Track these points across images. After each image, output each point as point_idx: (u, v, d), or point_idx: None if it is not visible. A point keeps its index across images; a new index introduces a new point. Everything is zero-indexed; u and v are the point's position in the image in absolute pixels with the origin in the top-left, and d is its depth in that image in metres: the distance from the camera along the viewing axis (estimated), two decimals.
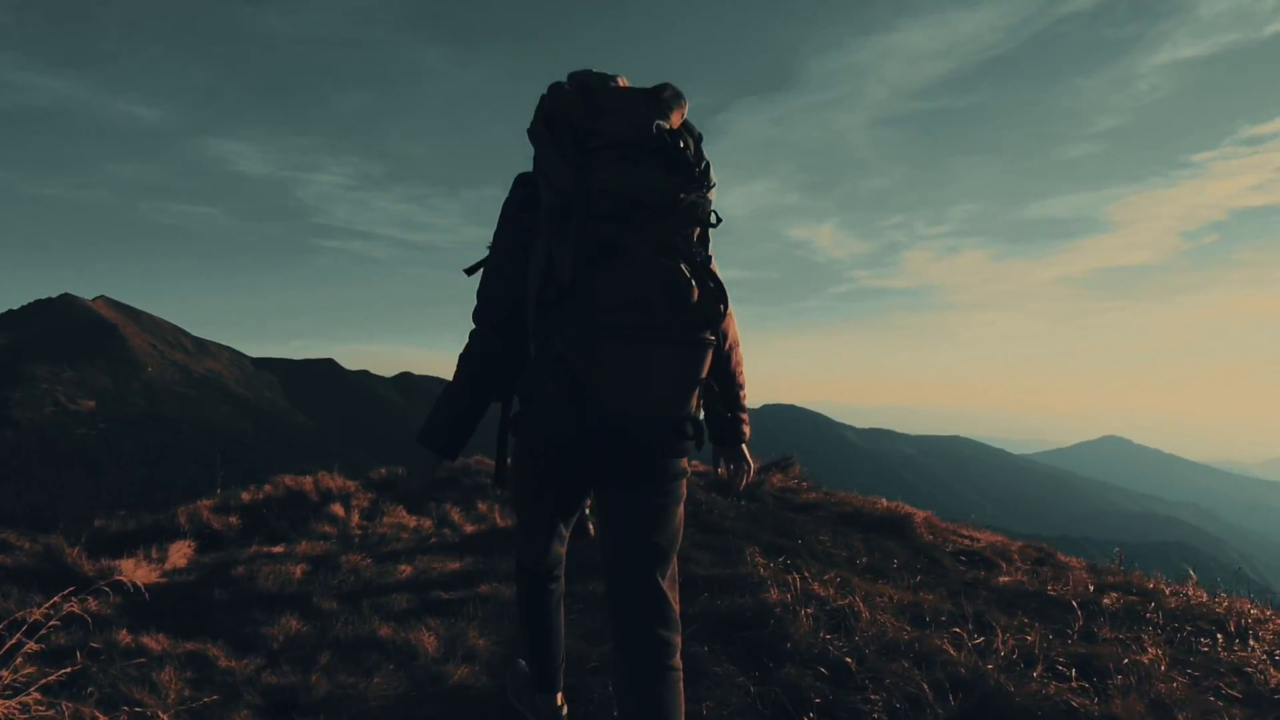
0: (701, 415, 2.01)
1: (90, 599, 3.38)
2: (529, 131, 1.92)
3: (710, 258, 1.90)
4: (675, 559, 2.02)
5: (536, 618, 2.44)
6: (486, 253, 2.05)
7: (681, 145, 1.81)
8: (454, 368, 2.05)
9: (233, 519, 5.29)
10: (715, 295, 1.86)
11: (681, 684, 1.94)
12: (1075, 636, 3.70)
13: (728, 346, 2.16)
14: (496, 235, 2.01)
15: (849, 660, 3.14)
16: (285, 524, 5.28)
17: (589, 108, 1.83)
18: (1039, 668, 3.12)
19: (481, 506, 5.81)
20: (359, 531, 5.14)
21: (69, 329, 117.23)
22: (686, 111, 1.93)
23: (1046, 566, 5.48)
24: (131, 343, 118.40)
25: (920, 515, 6.28)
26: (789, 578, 3.99)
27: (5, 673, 2.36)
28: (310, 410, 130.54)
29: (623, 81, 1.98)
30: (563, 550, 2.41)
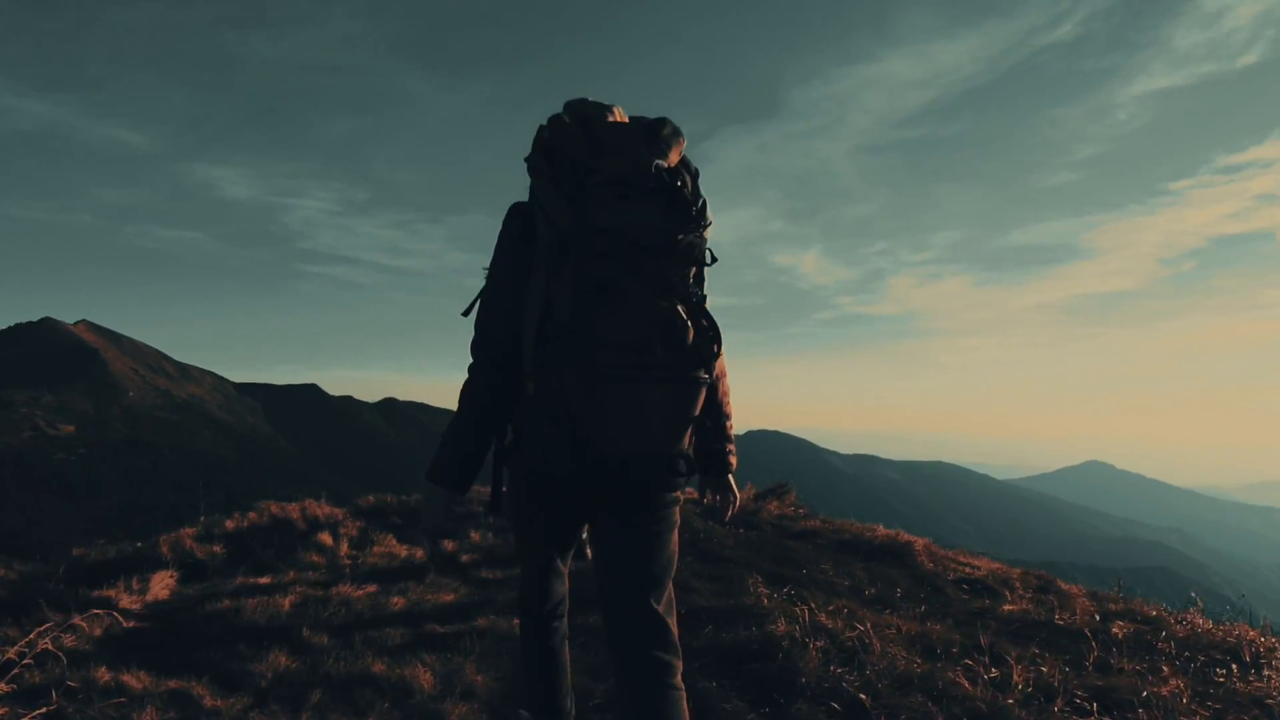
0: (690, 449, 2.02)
1: (67, 633, 3.22)
2: (527, 163, 1.92)
3: (705, 297, 1.92)
4: (671, 585, 2.02)
5: (542, 662, 2.36)
6: (477, 286, 2.02)
7: (680, 184, 1.82)
8: (454, 400, 2.02)
9: (217, 548, 5.12)
10: (710, 336, 1.88)
11: (685, 703, 1.92)
12: (1091, 668, 3.60)
13: (714, 377, 2.11)
14: (494, 265, 1.98)
15: (862, 696, 3.04)
16: (271, 553, 5.11)
17: (589, 144, 1.84)
18: (1059, 701, 3.03)
19: (474, 536, 5.66)
20: (348, 561, 4.98)
21: (49, 353, 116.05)
22: (684, 147, 1.94)
23: (1050, 594, 5.40)
24: (112, 367, 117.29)
25: (920, 543, 6.18)
26: (797, 609, 3.87)
27: None
28: (293, 436, 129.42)
29: (619, 112, 1.98)
30: (565, 589, 2.35)
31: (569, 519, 2.08)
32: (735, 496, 2.36)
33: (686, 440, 1.91)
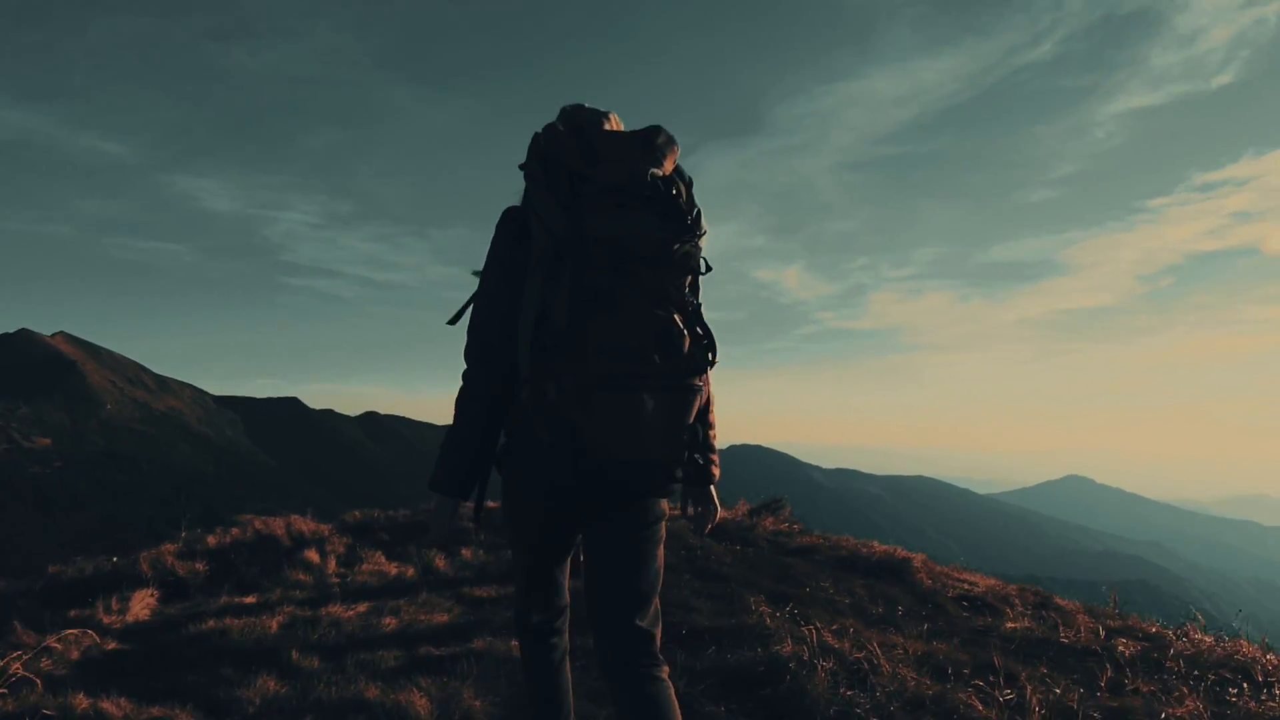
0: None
1: (43, 656, 3.07)
2: (523, 170, 1.92)
3: (700, 305, 1.92)
4: (657, 599, 2.04)
5: (543, 681, 2.25)
6: (460, 300, 2.03)
7: (674, 193, 1.83)
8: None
9: (199, 565, 4.97)
10: (705, 344, 1.89)
11: (673, 693, 1.95)
12: (1104, 688, 3.52)
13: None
14: (486, 271, 1.97)
15: (873, 719, 2.94)
16: (256, 571, 4.97)
17: (585, 152, 1.84)
18: None
19: (465, 553, 5.51)
20: (337, 580, 4.83)
21: (26, 364, 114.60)
22: (678, 156, 1.94)
23: (1048, 611, 5.34)
24: (90, 379, 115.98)
25: (918, 559, 6.11)
26: (804, 630, 3.77)
27: None
28: (273, 449, 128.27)
29: (614, 119, 2.01)
30: (563, 604, 2.25)
31: (564, 527, 2.03)
32: (716, 508, 2.33)
33: (681, 448, 1.89)
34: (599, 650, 2.02)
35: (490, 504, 6.53)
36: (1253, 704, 3.40)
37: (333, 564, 5.13)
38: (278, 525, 5.94)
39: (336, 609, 4.08)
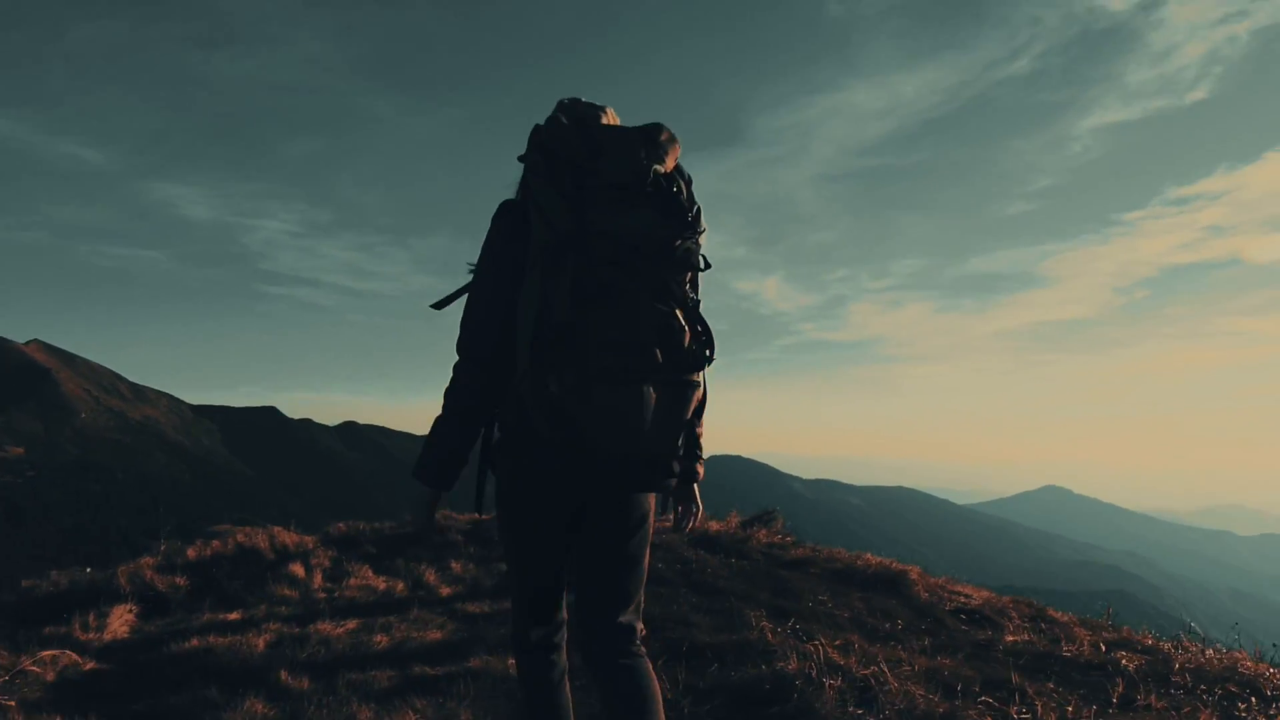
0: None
1: (17, 678, 2.92)
2: (524, 162, 1.93)
3: (699, 302, 1.93)
4: (641, 594, 2.10)
5: (543, 701, 2.14)
6: (448, 291, 2.03)
7: (675, 190, 1.84)
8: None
9: (179, 579, 4.80)
10: (704, 340, 1.90)
11: (650, 668, 2.02)
12: (1116, 704, 3.44)
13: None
14: (481, 264, 1.96)
15: None
16: (239, 586, 4.81)
17: (588, 145, 1.84)
18: None
19: (455, 566, 5.36)
20: (324, 595, 4.67)
21: None
22: (679, 154, 1.95)
23: (1044, 624, 5.27)
24: (65, 388, 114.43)
25: (914, 572, 6.03)
26: (810, 646, 3.67)
27: None
28: (250, 459, 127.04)
29: (610, 113, 2.01)
30: (562, 618, 2.16)
31: (561, 524, 2.00)
32: (699, 508, 2.34)
33: (678, 443, 1.91)
34: (580, 641, 2.06)
35: (479, 516, 6.38)
36: (1263, 719, 3.34)
37: (319, 578, 4.97)
38: (260, 538, 5.77)
39: (325, 626, 3.92)
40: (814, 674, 3.35)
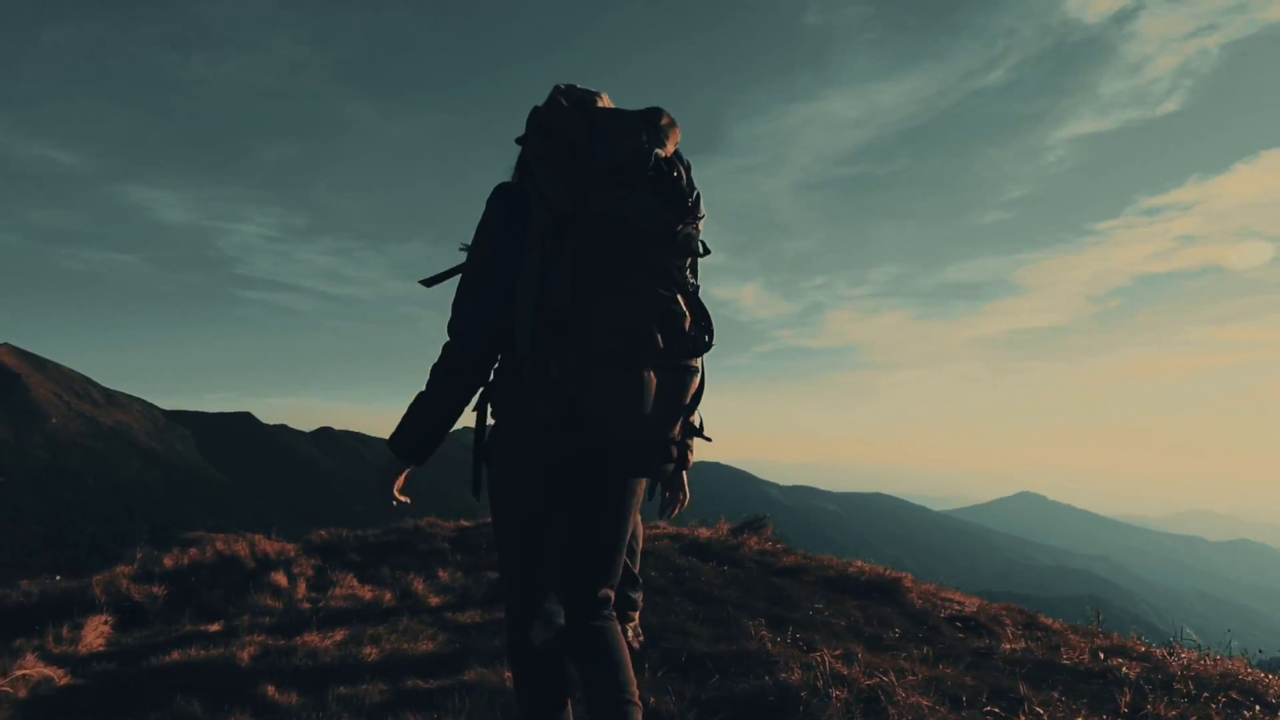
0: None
1: None
2: (522, 145, 1.93)
3: (699, 287, 1.93)
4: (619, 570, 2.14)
5: (545, 715, 2.01)
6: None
7: (676, 175, 1.83)
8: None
9: (157, 589, 4.65)
10: (704, 326, 1.90)
11: (619, 630, 2.08)
12: (1125, 713, 3.38)
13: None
14: (475, 247, 1.95)
15: None
16: (219, 596, 4.65)
17: (590, 128, 1.84)
18: None
19: (443, 575, 5.20)
20: (308, 605, 4.50)
21: None
22: (679, 140, 1.95)
23: (1037, 630, 5.23)
24: (35, 392, 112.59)
25: (907, 579, 5.98)
26: (811, 656, 3.58)
27: None
28: (224, 465, 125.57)
29: (605, 99, 2.01)
30: (561, 622, 2.05)
31: (561, 508, 1.99)
32: (686, 495, 2.37)
33: (678, 428, 1.91)
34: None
35: (464, 523, 6.22)
36: None
37: (302, 588, 4.82)
38: (240, 546, 5.61)
39: (312, 638, 3.75)
40: (820, 685, 3.26)
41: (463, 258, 1.99)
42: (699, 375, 1.90)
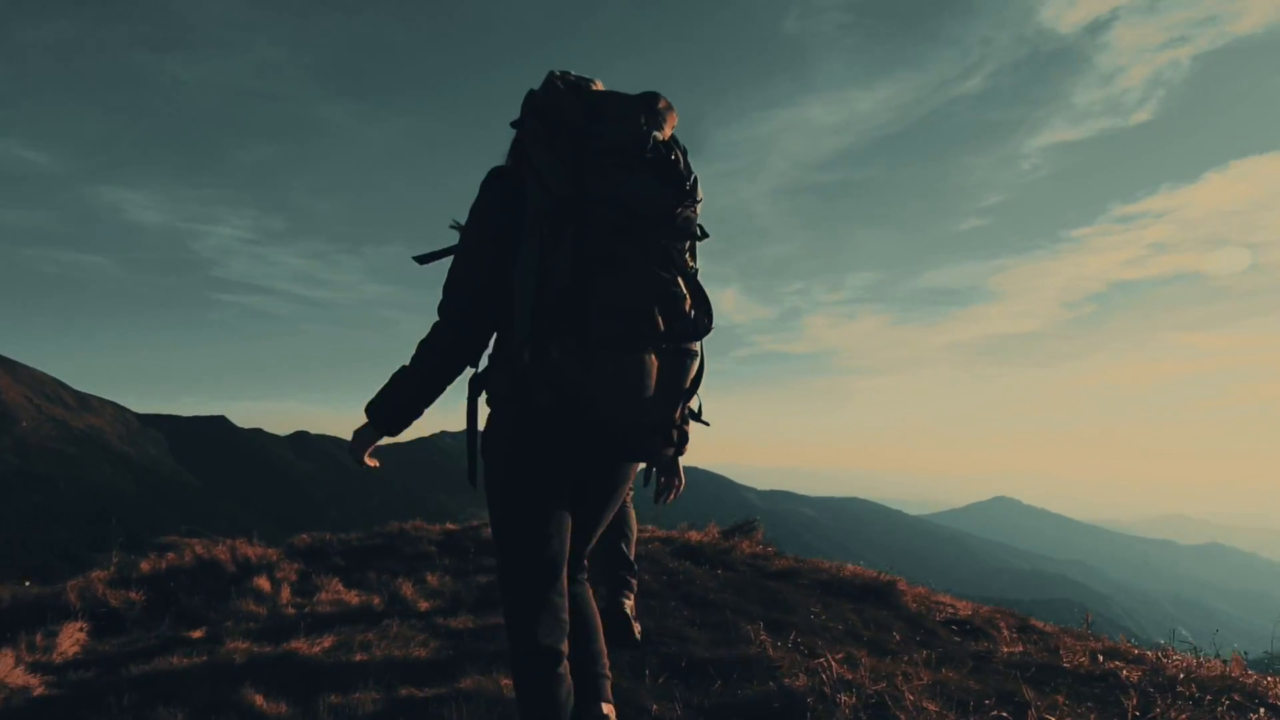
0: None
1: None
2: (519, 128, 1.90)
3: (698, 270, 1.93)
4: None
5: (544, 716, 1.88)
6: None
7: (674, 158, 1.83)
8: (409, 357, 1.98)
9: (134, 594, 4.48)
10: (704, 309, 1.89)
11: (590, 593, 2.18)
12: (1135, 718, 3.33)
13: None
14: (469, 231, 1.93)
15: None
16: (200, 601, 4.50)
17: (588, 111, 1.83)
18: None
19: (432, 579, 5.07)
20: (293, 611, 4.36)
21: None
22: (676, 124, 1.94)
23: (1031, 634, 5.19)
24: (5, 395, 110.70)
25: (902, 582, 5.92)
26: (815, 662, 3.50)
27: None
28: (198, 469, 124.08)
29: (599, 85, 1.97)
30: (565, 623, 1.94)
31: (563, 495, 1.95)
32: (681, 481, 2.35)
33: (678, 411, 1.89)
34: None
35: (451, 526, 6.08)
36: None
37: (286, 593, 4.67)
38: (221, 550, 5.44)
39: (299, 644, 3.61)
40: (827, 691, 3.18)
41: (455, 237, 1.98)
42: (699, 359, 1.89)
